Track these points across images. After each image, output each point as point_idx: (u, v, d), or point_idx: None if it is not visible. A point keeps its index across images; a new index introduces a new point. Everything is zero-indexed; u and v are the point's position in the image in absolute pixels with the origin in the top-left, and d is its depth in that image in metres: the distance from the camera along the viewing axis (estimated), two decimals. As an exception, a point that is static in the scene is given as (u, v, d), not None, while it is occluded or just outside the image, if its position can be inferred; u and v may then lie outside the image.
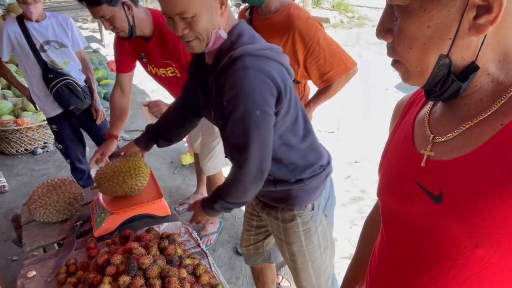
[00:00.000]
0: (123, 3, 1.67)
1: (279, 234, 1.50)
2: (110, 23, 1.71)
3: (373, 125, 4.13)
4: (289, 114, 1.21)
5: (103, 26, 1.77)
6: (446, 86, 0.56)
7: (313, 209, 1.42)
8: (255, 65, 1.07)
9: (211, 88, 1.22)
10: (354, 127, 4.22)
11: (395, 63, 0.61)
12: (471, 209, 0.54)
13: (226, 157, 1.29)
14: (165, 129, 1.58)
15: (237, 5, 9.44)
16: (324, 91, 1.90)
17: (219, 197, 1.28)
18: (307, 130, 1.31)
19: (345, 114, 4.46)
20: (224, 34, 1.13)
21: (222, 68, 1.12)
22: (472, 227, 0.54)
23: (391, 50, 0.59)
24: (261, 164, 1.17)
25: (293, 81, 1.74)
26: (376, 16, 9.65)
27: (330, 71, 1.80)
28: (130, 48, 1.98)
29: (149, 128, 1.61)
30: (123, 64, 2.05)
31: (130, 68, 2.08)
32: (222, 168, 2.54)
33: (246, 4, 1.91)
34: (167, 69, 1.99)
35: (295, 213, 1.41)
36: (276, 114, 1.16)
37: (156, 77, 2.10)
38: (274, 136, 1.18)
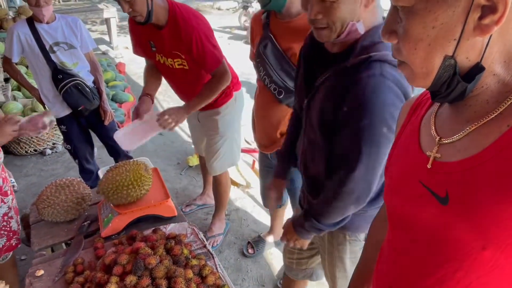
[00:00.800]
0: None
1: (324, 254, 1.44)
2: (130, 5, 1.74)
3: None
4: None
5: (122, 8, 1.81)
6: (451, 87, 0.56)
7: (365, 239, 1.29)
8: (394, 77, 0.95)
9: (322, 79, 1.11)
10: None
11: (400, 64, 0.60)
12: (477, 210, 0.54)
13: (299, 164, 1.25)
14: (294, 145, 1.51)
15: (245, 7, 9.47)
16: None
17: (311, 215, 1.19)
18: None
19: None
20: (361, 29, 1.00)
21: (352, 67, 1.01)
22: (479, 229, 0.54)
23: (396, 51, 0.59)
24: (368, 185, 1.07)
25: None
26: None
27: None
28: (141, 35, 2.03)
29: (282, 154, 1.58)
30: (142, 50, 2.14)
31: (143, 55, 2.18)
32: (228, 168, 2.54)
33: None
34: (175, 60, 2.01)
35: (346, 237, 1.33)
36: None
37: (163, 67, 2.12)
38: None
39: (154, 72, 2.22)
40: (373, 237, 1.04)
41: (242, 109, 2.44)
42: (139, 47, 2.14)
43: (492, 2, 0.48)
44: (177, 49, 1.95)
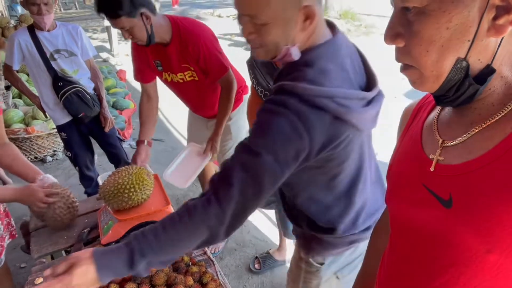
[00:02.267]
0: (141, 14, 1.70)
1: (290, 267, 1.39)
2: (129, 33, 1.75)
3: (382, 133, 4.10)
4: (327, 170, 1.01)
5: (122, 35, 1.82)
6: (462, 90, 0.55)
7: (322, 264, 1.22)
8: (300, 112, 0.86)
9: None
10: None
11: (406, 69, 0.59)
12: (482, 213, 0.53)
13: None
14: None
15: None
16: None
17: (144, 248, 0.89)
18: (351, 191, 1.07)
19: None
20: (296, 54, 0.93)
21: (274, 89, 0.96)
22: (483, 232, 0.53)
23: (403, 55, 0.57)
24: (239, 220, 0.91)
25: None
26: (384, 24, 9.65)
27: None
28: (147, 58, 2.02)
29: None
30: (144, 75, 2.10)
31: (153, 77, 2.13)
32: None
33: None
34: (185, 73, 2.00)
35: (302, 256, 1.26)
36: (305, 167, 0.95)
37: (173, 84, 2.11)
38: (297, 187, 1.05)
39: (150, 112, 2.18)
40: (375, 242, 1.03)
41: None
42: (145, 70, 2.08)
43: (507, 2, 0.47)
44: (186, 62, 1.95)
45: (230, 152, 2.35)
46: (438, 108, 0.68)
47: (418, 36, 0.53)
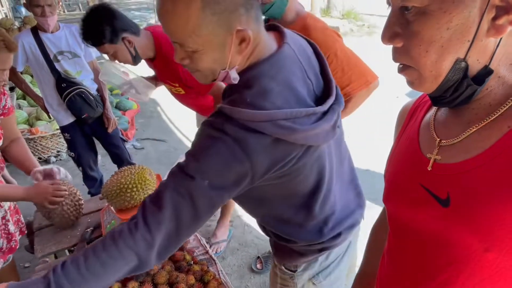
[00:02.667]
0: (123, 39, 1.72)
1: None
2: (114, 57, 1.79)
3: (384, 133, 4.10)
4: (278, 187, 0.95)
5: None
6: (460, 91, 0.55)
7: (295, 271, 1.20)
8: (238, 137, 0.81)
9: None
10: (366, 135, 4.20)
11: (404, 69, 0.58)
12: (479, 212, 0.53)
13: None
14: None
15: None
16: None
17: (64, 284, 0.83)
18: (309, 203, 1.02)
19: (355, 121, 4.44)
20: (235, 77, 0.89)
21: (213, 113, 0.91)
22: (482, 231, 0.53)
23: (401, 55, 0.57)
24: (171, 247, 0.86)
25: None
26: (386, 24, 9.63)
27: (349, 85, 1.71)
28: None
29: None
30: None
31: None
32: None
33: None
34: (170, 86, 2.04)
35: (275, 263, 1.25)
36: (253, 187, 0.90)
37: (170, 91, 2.15)
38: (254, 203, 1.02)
39: None
40: (374, 240, 1.03)
41: None
42: None
43: (507, 2, 0.47)
44: (169, 78, 1.96)
45: None
46: (435, 107, 0.68)
47: (417, 36, 0.53)
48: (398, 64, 0.59)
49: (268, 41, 0.91)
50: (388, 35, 0.56)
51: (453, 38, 0.51)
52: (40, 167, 1.73)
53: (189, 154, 0.87)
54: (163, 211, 0.82)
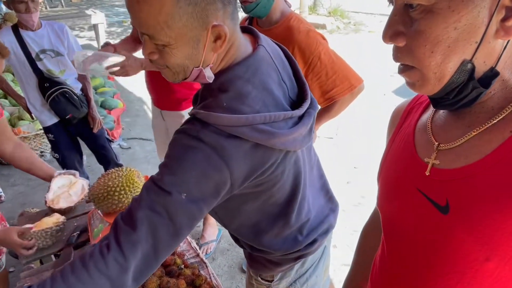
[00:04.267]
0: None
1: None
2: None
3: (371, 130, 4.13)
4: (256, 196, 0.93)
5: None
6: (464, 93, 0.53)
7: (271, 281, 1.17)
8: (215, 144, 0.77)
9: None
10: (353, 132, 4.22)
11: (405, 70, 0.56)
12: (480, 220, 0.51)
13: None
14: None
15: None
16: (327, 110, 1.74)
17: None
18: (286, 211, 1.00)
19: (343, 119, 4.46)
20: (210, 76, 0.84)
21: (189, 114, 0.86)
22: (482, 239, 0.52)
23: (404, 55, 0.54)
24: (148, 261, 0.79)
25: None
26: (372, 22, 9.72)
27: (333, 89, 1.67)
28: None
29: None
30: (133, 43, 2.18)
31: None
32: None
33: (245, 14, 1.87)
34: None
35: (251, 274, 1.21)
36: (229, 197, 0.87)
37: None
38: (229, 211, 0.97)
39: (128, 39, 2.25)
40: (363, 245, 1.01)
41: None
42: (135, 39, 2.19)
43: None
44: None
45: None
46: (432, 109, 0.66)
47: (423, 35, 0.50)
48: (398, 64, 0.57)
49: (243, 43, 0.88)
50: (390, 34, 0.54)
51: (461, 39, 0.49)
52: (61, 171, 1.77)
53: (163, 166, 0.81)
54: (137, 231, 0.76)
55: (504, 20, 0.47)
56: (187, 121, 0.84)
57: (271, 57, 0.89)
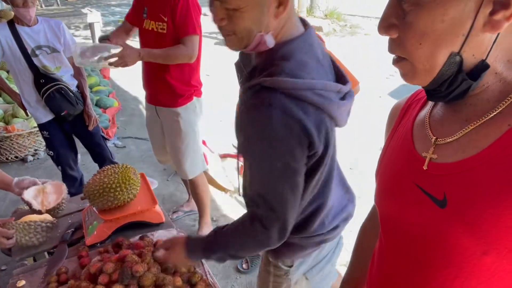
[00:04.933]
0: None
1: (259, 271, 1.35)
2: None
3: (367, 132, 4.14)
4: (315, 175, 0.99)
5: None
6: (454, 85, 0.54)
7: (290, 266, 1.20)
8: (285, 107, 0.85)
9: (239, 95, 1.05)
10: (348, 134, 4.22)
11: (398, 61, 0.57)
12: (478, 214, 0.51)
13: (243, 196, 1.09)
14: None
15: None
16: None
17: (217, 240, 1.05)
18: (321, 194, 1.06)
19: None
20: (270, 42, 0.90)
21: (249, 89, 0.93)
22: (479, 233, 0.52)
23: (396, 46, 0.56)
24: (282, 227, 0.95)
25: None
26: (368, 25, 9.76)
27: None
28: (142, 3, 2.14)
29: None
30: (134, 17, 2.24)
31: (137, 23, 2.22)
32: (200, 171, 2.50)
33: None
34: (158, 23, 2.07)
35: (270, 260, 1.24)
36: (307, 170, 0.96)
37: (145, 33, 2.17)
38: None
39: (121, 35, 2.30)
40: (362, 241, 1.01)
41: (201, 117, 2.41)
42: (134, 13, 2.23)
43: None
44: (161, 10, 2.02)
45: (183, 148, 2.35)
46: (430, 105, 0.66)
47: (411, 28, 0.52)
48: (393, 56, 0.58)
49: (298, 20, 0.96)
50: (384, 26, 0.56)
51: (448, 32, 0.50)
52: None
53: (246, 146, 0.94)
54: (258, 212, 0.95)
55: (491, 14, 0.48)
56: (254, 94, 0.90)
57: (318, 41, 0.99)
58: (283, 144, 0.87)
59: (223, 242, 1.03)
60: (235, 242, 1.02)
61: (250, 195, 0.99)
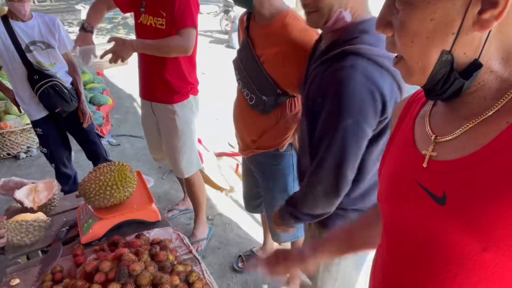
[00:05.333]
0: None
1: None
2: None
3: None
4: (379, 142, 1.09)
5: None
6: (448, 84, 0.54)
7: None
8: (366, 71, 0.97)
9: (310, 70, 1.16)
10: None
11: (397, 63, 0.59)
12: (477, 211, 0.52)
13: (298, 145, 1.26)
14: None
15: (226, 12, 9.46)
16: None
17: (290, 202, 1.21)
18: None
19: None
20: (348, 16, 1.03)
21: (330, 59, 1.05)
22: (479, 230, 0.52)
23: (391, 45, 0.57)
24: (336, 179, 1.07)
25: (287, 95, 1.64)
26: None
27: None
28: None
29: None
30: (131, 6, 2.16)
31: (126, 8, 2.17)
32: (196, 170, 2.48)
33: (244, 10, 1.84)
34: (157, 19, 2.04)
35: (320, 232, 1.33)
36: (375, 134, 1.05)
37: (142, 28, 2.12)
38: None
39: (100, 10, 2.18)
40: (365, 218, 0.98)
41: (197, 115, 2.40)
42: (130, 1, 2.14)
43: None
44: (160, 5, 2.00)
45: (179, 146, 2.33)
46: (430, 103, 0.67)
47: (403, 26, 0.53)
48: (394, 57, 0.60)
49: (368, 4, 1.09)
50: (380, 24, 0.57)
51: (437, 30, 0.50)
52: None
53: (330, 99, 1.01)
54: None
55: (480, 12, 0.48)
56: (336, 59, 1.02)
57: None
58: (357, 102, 0.97)
59: (294, 197, 1.21)
60: (301, 196, 1.18)
61: (316, 140, 1.10)
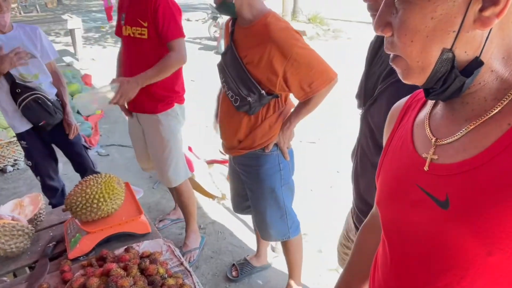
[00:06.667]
0: None
1: None
2: None
3: (353, 135, 4.15)
4: None
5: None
6: (448, 82, 0.54)
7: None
8: None
9: (385, 85, 1.09)
10: (335, 137, 4.24)
11: (394, 59, 0.58)
12: (481, 214, 0.51)
13: None
14: None
15: (214, 18, 9.48)
16: (306, 104, 1.76)
17: None
18: None
19: (325, 124, 4.48)
20: None
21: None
22: (483, 234, 0.51)
23: (391, 44, 0.56)
24: None
25: (271, 95, 1.70)
26: (350, 29, 9.89)
27: (312, 83, 1.68)
28: (120, 9, 2.17)
29: None
30: (117, 27, 2.29)
31: (118, 33, 2.27)
32: (184, 178, 2.45)
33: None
34: (136, 29, 2.06)
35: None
36: None
37: (124, 39, 2.18)
38: None
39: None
40: (362, 242, 0.99)
41: (183, 124, 2.38)
42: (118, 24, 2.24)
43: None
44: (140, 15, 2.01)
45: (165, 155, 2.31)
46: (429, 105, 0.66)
47: (403, 25, 0.52)
48: (390, 55, 0.59)
49: None
50: (379, 25, 0.56)
51: (438, 28, 0.50)
52: None
53: None
54: None
55: (481, 10, 0.48)
56: None
57: None
58: None
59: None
60: None
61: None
